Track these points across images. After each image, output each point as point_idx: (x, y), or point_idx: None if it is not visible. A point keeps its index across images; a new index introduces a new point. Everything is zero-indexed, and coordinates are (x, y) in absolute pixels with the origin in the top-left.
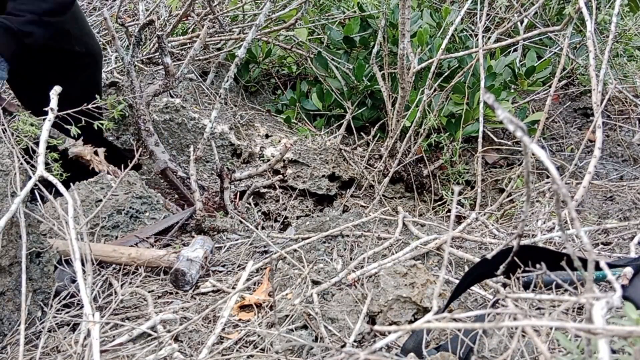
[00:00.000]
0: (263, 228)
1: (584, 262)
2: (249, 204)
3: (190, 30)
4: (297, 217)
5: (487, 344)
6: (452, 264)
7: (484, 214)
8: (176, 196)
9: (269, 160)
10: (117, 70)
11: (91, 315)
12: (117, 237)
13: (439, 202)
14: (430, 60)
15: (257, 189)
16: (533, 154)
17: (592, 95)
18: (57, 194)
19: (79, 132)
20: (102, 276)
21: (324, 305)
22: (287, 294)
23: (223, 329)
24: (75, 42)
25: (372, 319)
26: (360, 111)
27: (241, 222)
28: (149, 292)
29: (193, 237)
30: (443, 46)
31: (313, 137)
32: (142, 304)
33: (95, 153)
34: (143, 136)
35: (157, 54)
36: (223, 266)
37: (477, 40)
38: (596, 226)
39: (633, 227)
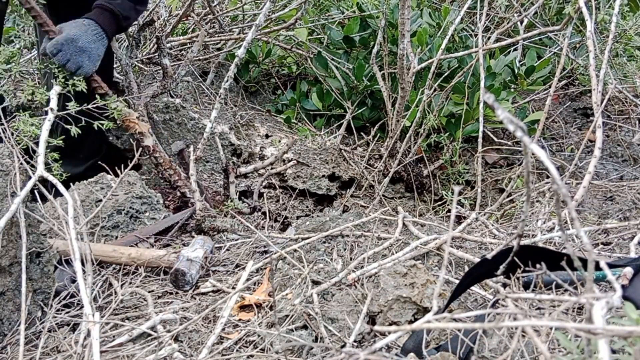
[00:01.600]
0: (263, 228)
1: (584, 262)
2: (259, 198)
3: (190, 30)
4: (297, 217)
5: (487, 344)
6: (452, 264)
7: (484, 214)
8: (178, 194)
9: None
10: (116, 70)
11: (91, 315)
12: (117, 237)
13: (439, 202)
14: (430, 60)
15: (266, 179)
16: (533, 154)
17: (592, 95)
18: (57, 194)
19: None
20: (102, 276)
21: (324, 305)
22: (287, 294)
23: (223, 329)
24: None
25: (372, 319)
26: (360, 111)
27: (242, 221)
28: (149, 292)
29: (193, 237)
30: (443, 46)
31: (313, 137)
32: (142, 304)
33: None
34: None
35: (157, 54)
36: (223, 266)
37: (477, 40)
38: (596, 226)
39: (633, 227)
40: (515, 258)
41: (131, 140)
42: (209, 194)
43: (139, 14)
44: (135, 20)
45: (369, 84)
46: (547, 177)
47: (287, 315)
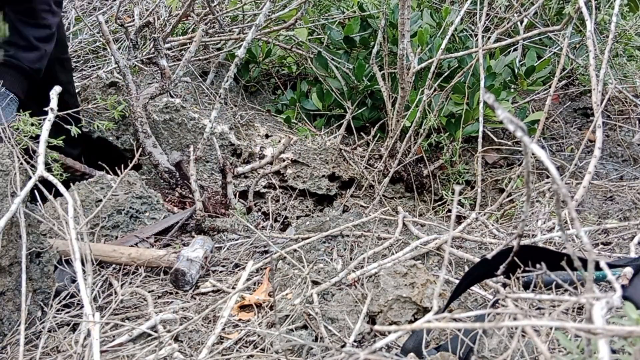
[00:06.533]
0: (263, 228)
1: (584, 262)
2: (261, 198)
3: (190, 30)
4: (297, 217)
5: (487, 344)
6: (452, 264)
7: (484, 214)
8: (177, 194)
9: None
10: (116, 71)
11: (91, 315)
12: (117, 237)
13: (439, 202)
14: (430, 60)
15: (262, 178)
16: (533, 154)
17: (592, 95)
18: (58, 194)
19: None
20: (102, 276)
21: (324, 305)
22: (287, 294)
23: (223, 329)
24: (65, 47)
25: (372, 319)
26: (360, 111)
27: (242, 221)
28: (149, 292)
29: (193, 237)
30: (443, 46)
31: (313, 137)
32: (142, 304)
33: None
34: (141, 138)
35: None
36: (223, 266)
37: (477, 40)
38: (596, 226)
39: (633, 227)
40: (515, 258)
41: (131, 140)
42: (209, 194)
43: (47, 54)
44: (46, 64)
45: (369, 84)
46: (547, 177)
47: (287, 315)
